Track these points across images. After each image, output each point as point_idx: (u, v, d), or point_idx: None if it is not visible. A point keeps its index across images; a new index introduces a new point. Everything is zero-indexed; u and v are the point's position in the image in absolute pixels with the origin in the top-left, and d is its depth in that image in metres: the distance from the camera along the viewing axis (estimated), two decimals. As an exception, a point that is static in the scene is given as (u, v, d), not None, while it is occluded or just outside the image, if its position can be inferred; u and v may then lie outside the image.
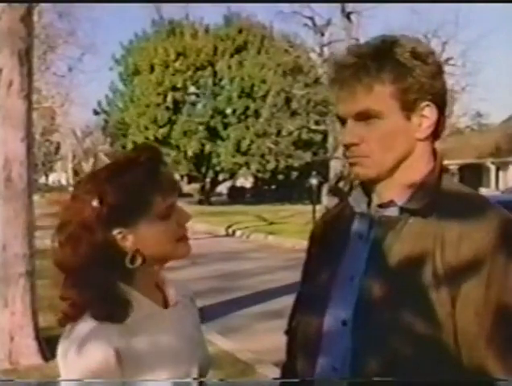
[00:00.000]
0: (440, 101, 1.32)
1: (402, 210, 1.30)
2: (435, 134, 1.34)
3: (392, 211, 1.32)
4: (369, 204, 1.36)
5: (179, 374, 1.39)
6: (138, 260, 1.37)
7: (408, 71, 1.27)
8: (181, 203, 1.43)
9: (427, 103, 1.29)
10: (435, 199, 1.28)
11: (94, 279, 1.33)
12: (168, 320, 1.43)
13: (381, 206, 1.33)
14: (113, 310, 1.32)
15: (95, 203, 1.33)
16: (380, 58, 1.28)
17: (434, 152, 1.35)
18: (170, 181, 1.41)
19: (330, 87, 1.33)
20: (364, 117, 1.28)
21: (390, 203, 1.32)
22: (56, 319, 1.37)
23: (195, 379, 1.43)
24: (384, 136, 1.28)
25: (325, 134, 28.84)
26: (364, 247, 1.33)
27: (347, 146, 1.32)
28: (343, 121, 1.33)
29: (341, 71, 1.30)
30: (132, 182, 1.34)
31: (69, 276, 1.35)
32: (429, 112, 1.30)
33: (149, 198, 1.35)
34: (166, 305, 1.46)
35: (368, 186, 1.37)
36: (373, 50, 1.30)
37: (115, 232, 1.34)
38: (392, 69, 1.27)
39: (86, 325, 1.31)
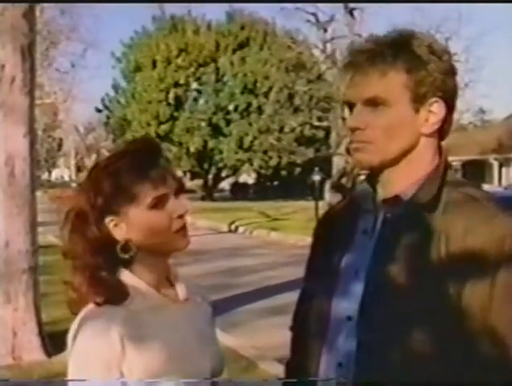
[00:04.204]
0: (450, 100, 1.32)
1: (408, 205, 1.30)
2: (441, 132, 1.34)
3: (397, 206, 1.31)
4: (373, 199, 1.36)
5: (189, 369, 1.39)
6: (132, 250, 1.38)
7: (423, 64, 1.28)
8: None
9: (436, 99, 1.30)
10: (441, 194, 1.29)
11: (91, 265, 1.36)
12: (177, 314, 1.44)
13: (386, 201, 1.33)
14: (109, 294, 1.34)
15: (91, 192, 1.37)
16: (397, 47, 1.29)
17: (439, 149, 1.35)
18: (162, 171, 1.40)
19: (343, 71, 1.34)
20: (373, 103, 1.29)
21: (396, 198, 1.32)
22: (67, 306, 1.42)
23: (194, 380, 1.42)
24: (390, 124, 1.29)
25: (328, 131, 28.77)
26: (369, 242, 1.33)
27: (352, 130, 1.32)
28: (351, 107, 1.34)
29: (357, 55, 1.31)
30: (119, 170, 1.37)
31: (71, 262, 1.40)
32: (437, 109, 1.30)
33: (136, 187, 1.36)
34: (177, 300, 1.46)
35: (372, 182, 1.37)
36: (390, 39, 1.32)
37: (107, 219, 1.37)
38: (408, 59, 1.28)
39: (90, 309, 1.35)
